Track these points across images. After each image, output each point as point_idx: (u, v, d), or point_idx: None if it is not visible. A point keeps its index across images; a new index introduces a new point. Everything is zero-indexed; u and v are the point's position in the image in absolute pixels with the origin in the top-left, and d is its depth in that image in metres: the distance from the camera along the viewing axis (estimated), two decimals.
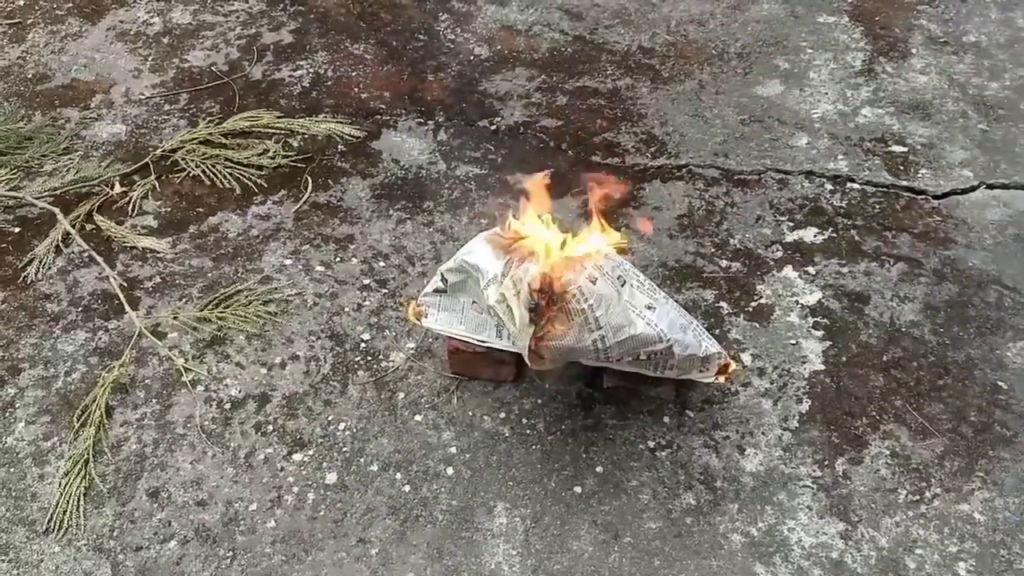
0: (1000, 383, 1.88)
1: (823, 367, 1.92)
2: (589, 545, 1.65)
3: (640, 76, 2.70)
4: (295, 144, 2.49)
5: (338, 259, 2.17)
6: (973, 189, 2.31)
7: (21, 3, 3.03)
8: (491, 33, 2.87)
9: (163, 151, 2.44)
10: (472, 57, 2.78)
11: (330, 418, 1.85)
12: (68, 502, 1.70)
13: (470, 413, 1.85)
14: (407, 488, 1.73)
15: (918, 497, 1.71)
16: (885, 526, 1.66)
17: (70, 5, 3.01)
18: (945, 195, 2.30)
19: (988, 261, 2.13)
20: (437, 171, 2.40)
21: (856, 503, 1.70)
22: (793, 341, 1.98)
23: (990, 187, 2.31)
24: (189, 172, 2.39)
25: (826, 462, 1.76)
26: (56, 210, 2.26)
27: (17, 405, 1.88)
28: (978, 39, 2.80)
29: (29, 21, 2.95)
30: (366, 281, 2.12)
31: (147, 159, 2.42)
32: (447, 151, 2.46)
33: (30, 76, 2.74)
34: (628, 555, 1.63)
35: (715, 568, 1.61)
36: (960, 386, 1.88)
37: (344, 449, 1.79)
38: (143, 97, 2.66)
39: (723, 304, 2.05)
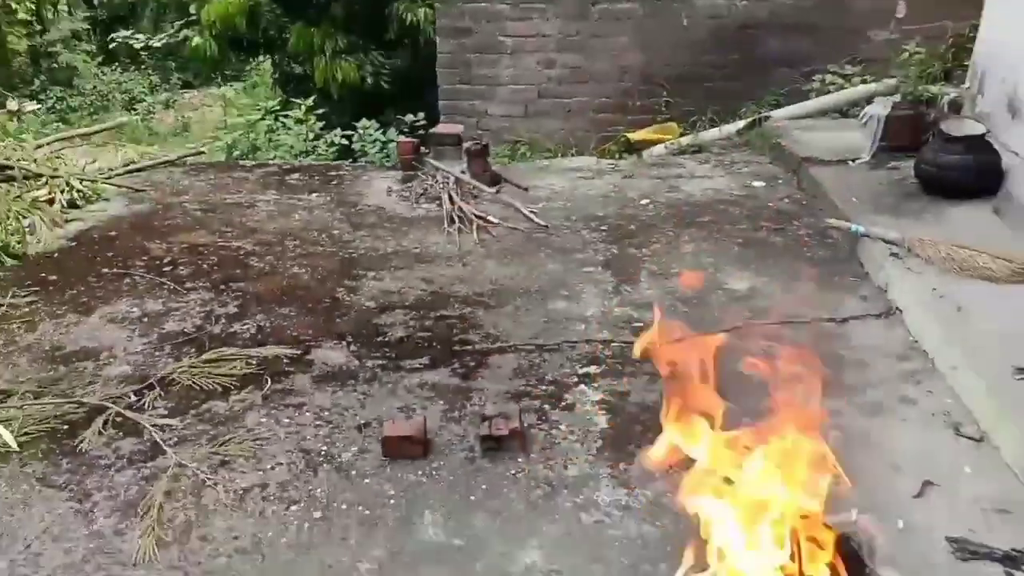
0: None
1: (607, 425, 3.21)
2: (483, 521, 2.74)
3: (477, 307, 4.18)
4: (253, 363, 3.69)
5: (297, 414, 3.31)
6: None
7: (26, 308, 4.19)
8: (375, 295, 4.32)
9: (163, 375, 3.57)
10: (364, 307, 4.19)
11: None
12: None
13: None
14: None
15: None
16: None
17: (66, 306, 4.21)
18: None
19: None
20: (354, 365, 3.66)
21: (634, 477, 2.91)
22: (589, 418, 3.27)
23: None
24: (183, 383, 3.51)
25: (611, 465, 2.98)
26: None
27: None
28: (677, 271, 4.53)
29: (36, 319, 4.11)
30: (317, 423, 3.26)
31: (151, 380, 3.53)
32: (360, 354, 3.75)
33: (47, 348, 3.84)
34: (496, 523, 2.73)
35: (550, 529, 2.73)
36: None
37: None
38: (138, 350, 3.81)
39: (546, 407, 3.34)
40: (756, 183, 5.75)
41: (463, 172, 5.81)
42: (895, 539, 2.57)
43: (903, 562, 2.40)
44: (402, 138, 6.70)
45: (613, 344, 3.81)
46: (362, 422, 3.27)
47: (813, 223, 4.97)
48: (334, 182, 6.12)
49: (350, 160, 7.56)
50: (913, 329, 3.79)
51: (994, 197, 4.54)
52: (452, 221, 5.23)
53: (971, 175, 4.58)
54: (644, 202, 5.53)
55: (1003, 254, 3.95)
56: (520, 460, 3.04)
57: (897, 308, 3.96)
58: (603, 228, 5.11)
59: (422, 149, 6.28)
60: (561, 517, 2.78)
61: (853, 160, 5.51)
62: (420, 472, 2.99)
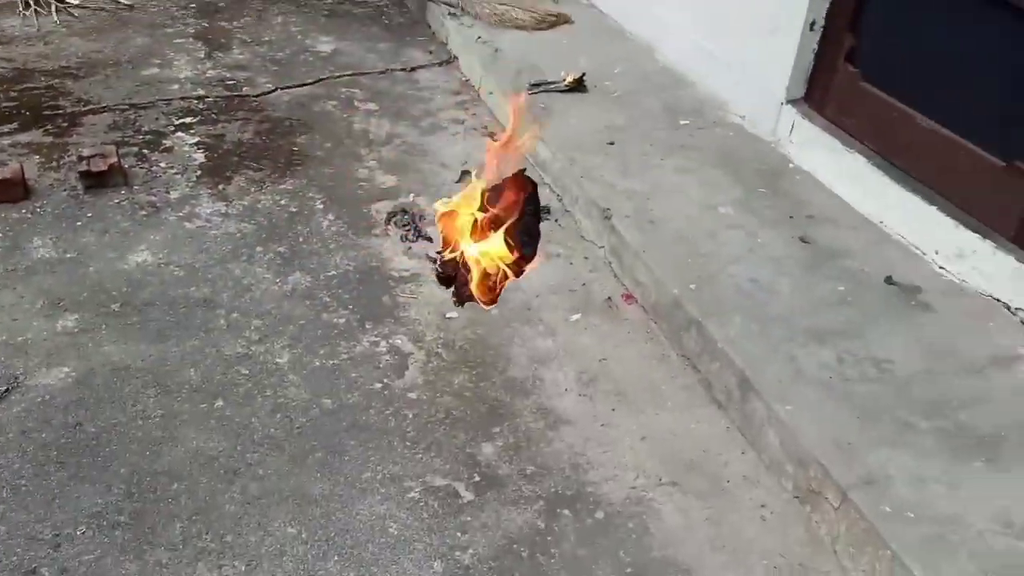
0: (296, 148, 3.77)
1: (205, 160, 3.61)
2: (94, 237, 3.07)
3: (65, 78, 4.21)
4: None
5: None
6: (272, 91, 4.27)
7: None
8: None
9: None
10: None
11: None
12: None
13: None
14: None
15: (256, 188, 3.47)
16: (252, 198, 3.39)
17: None
18: (259, 95, 4.22)
19: (280, 108, 4.06)
20: None
21: (232, 194, 3.39)
22: (188, 156, 3.64)
23: (282, 89, 4.29)
24: None
25: (211, 187, 3.43)
26: None
27: None
28: (268, 39, 4.88)
29: None
30: None
31: None
32: None
33: None
34: (104, 239, 3.09)
35: (157, 237, 3.15)
36: (275, 150, 3.72)
37: None
38: None
39: (146, 151, 3.64)
40: None
41: None
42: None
43: None
44: None
45: (208, 99, 4.14)
46: None
47: None
48: None
49: None
50: (465, 70, 4.61)
51: None
52: (27, 5, 4.97)
53: None
54: None
55: (530, 7, 4.86)
56: (123, 192, 3.36)
57: (454, 56, 4.74)
58: (192, 6, 5.22)
59: None
60: (167, 228, 3.20)
61: None
62: (24, 211, 3.19)
